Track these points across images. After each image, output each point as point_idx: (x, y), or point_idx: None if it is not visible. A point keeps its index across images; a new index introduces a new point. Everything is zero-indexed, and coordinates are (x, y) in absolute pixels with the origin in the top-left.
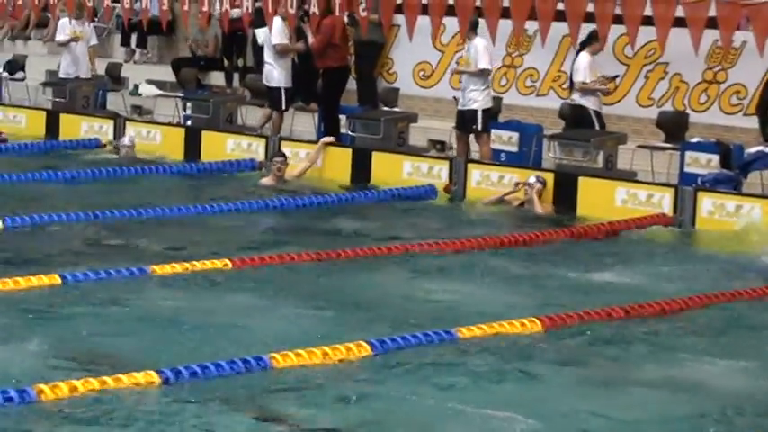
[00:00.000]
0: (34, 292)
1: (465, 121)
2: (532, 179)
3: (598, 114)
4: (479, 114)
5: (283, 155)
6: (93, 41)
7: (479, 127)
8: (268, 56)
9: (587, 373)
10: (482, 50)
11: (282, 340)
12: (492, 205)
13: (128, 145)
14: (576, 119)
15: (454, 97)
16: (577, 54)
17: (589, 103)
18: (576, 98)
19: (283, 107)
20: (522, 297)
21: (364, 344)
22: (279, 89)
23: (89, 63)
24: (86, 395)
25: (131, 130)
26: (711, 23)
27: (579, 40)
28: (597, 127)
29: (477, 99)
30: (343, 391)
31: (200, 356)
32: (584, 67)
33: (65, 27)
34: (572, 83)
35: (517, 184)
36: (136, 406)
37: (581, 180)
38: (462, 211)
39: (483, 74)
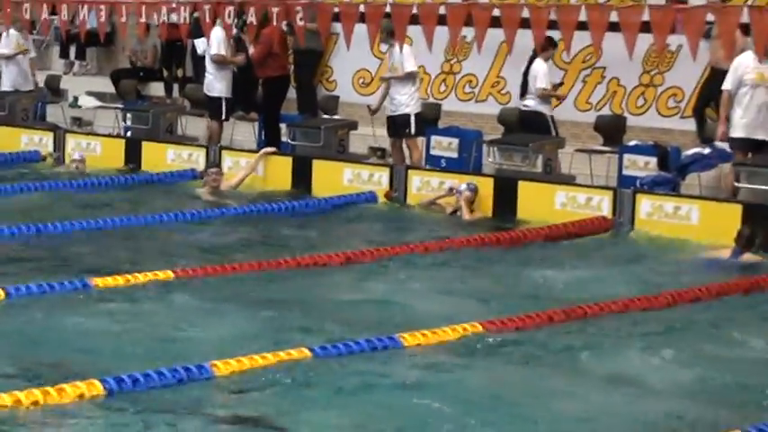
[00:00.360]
0: None
1: (397, 126)
2: (462, 186)
3: (553, 120)
4: (412, 118)
5: (218, 166)
6: (32, 54)
7: (413, 131)
8: (209, 66)
9: (529, 376)
10: (407, 54)
11: (226, 348)
12: (425, 207)
13: (78, 159)
14: (534, 125)
15: (368, 106)
16: (531, 61)
17: (546, 109)
18: (533, 104)
19: (224, 117)
20: (464, 301)
21: (305, 350)
22: (220, 99)
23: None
24: (30, 408)
25: (72, 141)
26: (647, 28)
27: (531, 46)
28: (554, 132)
29: (409, 103)
30: (284, 396)
31: (143, 366)
32: (543, 73)
33: (11, 40)
34: (524, 89)
35: (450, 189)
36: (79, 417)
37: (521, 184)
38: (403, 216)
39: (411, 77)
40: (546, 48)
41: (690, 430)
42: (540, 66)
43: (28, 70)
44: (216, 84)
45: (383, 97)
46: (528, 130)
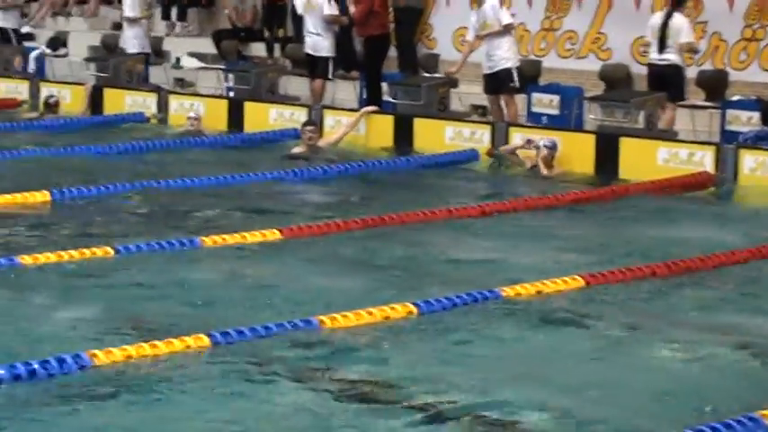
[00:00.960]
0: (88, 263)
1: (499, 81)
2: (541, 142)
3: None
4: (515, 72)
5: (313, 123)
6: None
7: (517, 84)
8: (315, 25)
9: (629, 329)
10: (498, 7)
11: (331, 304)
12: (504, 156)
13: (194, 117)
14: (673, 79)
15: (447, 72)
16: (669, 15)
17: (683, 63)
18: (674, 59)
19: (330, 76)
20: (567, 255)
21: (410, 305)
22: (327, 58)
23: None
24: (140, 360)
25: (175, 102)
26: None
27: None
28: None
29: (510, 57)
30: (388, 351)
31: (249, 321)
32: (687, 27)
33: (136, 3)
34: (663, 43)
35: (528, 141)
36: (188, 369)
37: (622, 140)
38: (504, 174)
39: (508, 29)
40: (683, 1)
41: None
42: (681, 21)
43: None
44: (324, 43)
45: (464, 59)
46: (663, 84)
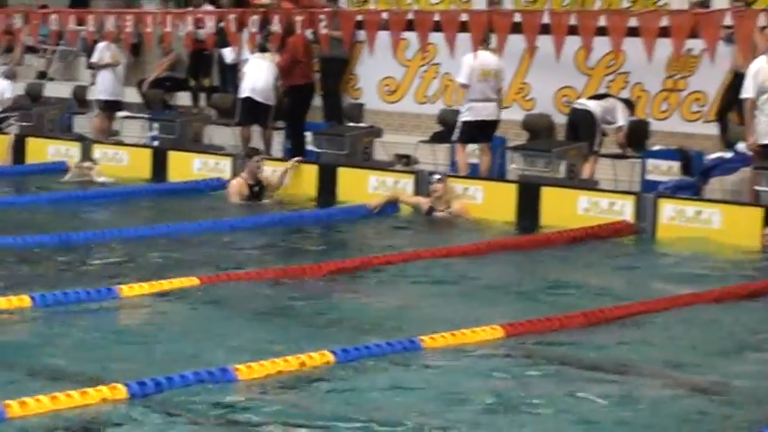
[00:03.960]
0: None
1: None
2: (436, 176)
3: None
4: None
5: (259, 152)
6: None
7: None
8: (266, 74)
9: (550, 377)
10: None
11: (249, 353)
12: (380, 208)
13: (86, 166)
14: (585, 123)
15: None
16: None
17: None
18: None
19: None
20: (486, 304)
21: (327, 353)
22: (270, 106)
23: None
24: (54, 411)
25: (98, 152)
26: (669, 32)
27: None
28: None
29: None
30: (305, 398)
31: (166, 371)
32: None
33: (104, 50)
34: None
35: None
36: (102, 421)
37: (543, 190)
38: (425, 221)
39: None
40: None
41: None
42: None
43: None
44: (271, 92)
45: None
46: (575, 129)
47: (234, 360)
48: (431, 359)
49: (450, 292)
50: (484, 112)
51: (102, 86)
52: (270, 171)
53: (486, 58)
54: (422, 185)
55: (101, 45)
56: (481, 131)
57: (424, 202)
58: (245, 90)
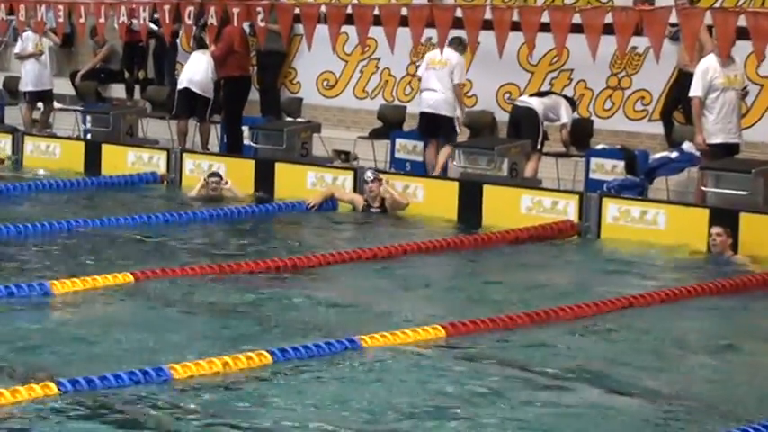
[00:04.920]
0: None
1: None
2: (369, 175)
3: None
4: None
5: (218, 175)
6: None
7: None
8: (204, 66)
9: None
10: None
11: (185, 352)
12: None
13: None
14: (528, 120)
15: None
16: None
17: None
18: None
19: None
20: (427, 303)
21: (265, 353)
22: (209, 99)
23: None
24: None
25: (30, 144)
26: (613, 30)
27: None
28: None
29: None
30: (242, 400)
31: (100, 369)
32: None
33: (28, 40)
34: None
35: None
36: (34, 419)
37: (486, 188)
38: (369, 219)
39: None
40: None
41: None
42: None
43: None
44: (209, 85)
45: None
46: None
47: (169, 359)
48: (370, 359)
49: (390, 291)
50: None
51: (27, 77)
52: (204, 167)
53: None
54: (361, 182)
55: (25, 35)
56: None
57: (358, 199)
58: (183, 81)
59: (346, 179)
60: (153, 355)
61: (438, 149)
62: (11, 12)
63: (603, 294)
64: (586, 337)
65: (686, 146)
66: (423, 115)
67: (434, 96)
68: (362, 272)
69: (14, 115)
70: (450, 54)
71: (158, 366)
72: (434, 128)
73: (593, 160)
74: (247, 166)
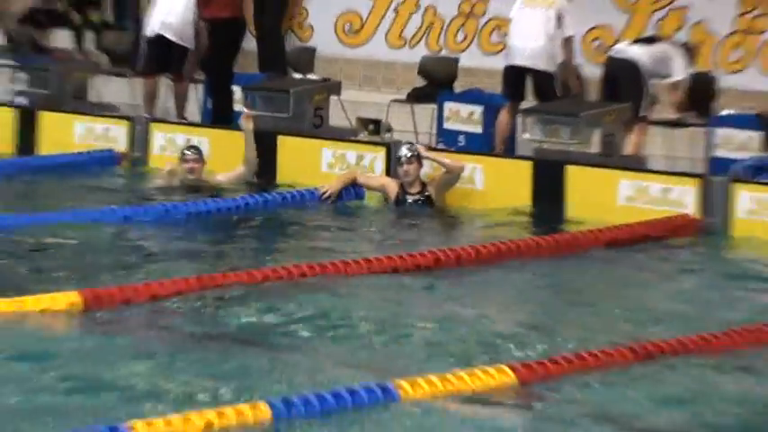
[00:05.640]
0: None
1: None
2: (405, 152)
3: None
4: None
5: (196, 148)
6: None
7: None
8: (177, 5)
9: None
10: None
11: (146, 398)
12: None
13: None
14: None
15: None
16: None
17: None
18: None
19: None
20: (490, 336)
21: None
22: (187, 50)
23: None
24: None
25: None
26: None
27: None
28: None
29: None
30: None
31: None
32: None
33: None
34: None
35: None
36: None
37: (569, 170)
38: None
39: None
40: None
41: None
42: None
43: None
44: (188, 30)
45: None
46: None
47: (128, 411)
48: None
49: (437, 316)
50: None
51: None
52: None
53: None
54: (394, 162)
55: None
56: None
57: (392, 185)
58: (154, 25)
59: (376, 158)
60: (109, 403)
61: (512, 115)
62: None
63: (736, 319)
64: (715, 379)
65: None
66: (510, 70)
67: (531, 45)
68: (397, 288)
69: None
70: None
71: (113, 426)
72: (523, 88)
73: (719, 131)
74: (239, 141)
